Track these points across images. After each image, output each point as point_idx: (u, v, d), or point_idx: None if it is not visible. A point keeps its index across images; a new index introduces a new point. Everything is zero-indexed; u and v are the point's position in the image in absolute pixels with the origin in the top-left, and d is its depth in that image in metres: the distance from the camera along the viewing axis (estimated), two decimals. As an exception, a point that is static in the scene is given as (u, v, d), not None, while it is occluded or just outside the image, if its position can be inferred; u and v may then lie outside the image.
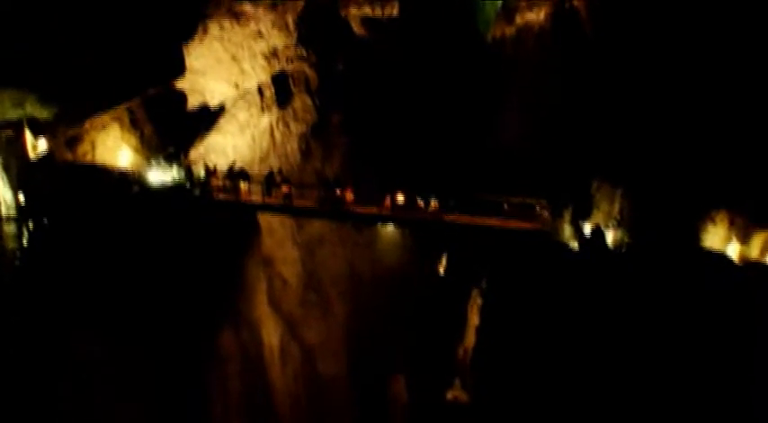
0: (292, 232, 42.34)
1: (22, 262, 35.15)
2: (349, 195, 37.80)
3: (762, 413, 30.03)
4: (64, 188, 36.36)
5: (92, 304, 34.79)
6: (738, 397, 30.60)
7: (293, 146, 42.15)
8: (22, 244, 35.39)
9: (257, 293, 41.14)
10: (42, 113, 38.39)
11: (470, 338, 39.11)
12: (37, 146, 37.43)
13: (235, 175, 38.99)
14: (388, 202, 37.26)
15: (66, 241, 35.37)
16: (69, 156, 38.47)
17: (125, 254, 35.95)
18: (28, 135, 37.16)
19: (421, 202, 37.30)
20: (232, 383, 38.88)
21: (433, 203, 37.20)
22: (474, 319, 39.00)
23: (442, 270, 42.26)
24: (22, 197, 36.07)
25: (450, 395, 39.67)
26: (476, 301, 39.28)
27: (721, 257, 33.00)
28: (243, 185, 38.64)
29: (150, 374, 35.65)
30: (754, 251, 33.10)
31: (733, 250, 33.35)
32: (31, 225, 35.58)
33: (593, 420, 32.69)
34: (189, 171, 39.14)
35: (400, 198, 37.15)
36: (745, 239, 33.36)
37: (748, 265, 32.59)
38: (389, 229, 41.08)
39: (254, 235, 41.11)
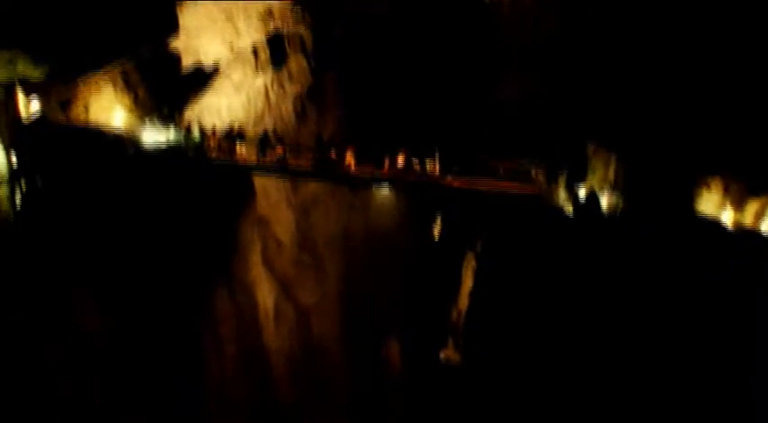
0: (287, 194, 42.17)
1: (15, 224, 35.08)
2: (350, 158, 37.69)
3: (760, 378, 30.08)
4: (58, 149, 36.18)
5: (86, 266, 34.90)
6: (729, 360, 30.77)
7: (288, 107, 41.87)
8: (15, 206, 35.30)
9: (252, 255, 41.13)
10: (34, 73, 37.99)
11: (464, 301, 39.25)
12: (29, 106, 37.15)
13: (233, 136, 38.84)
14: (387, 164, 37.16)
15: (60, 203, 35.31)
16: (62, 117, 38.22)
17: (120, 215, 35.93)
18: (20, 95, 36.87)
19: (417, 165, 37.23)
20: (227, 346, 39.11)
21: (430, 166, 37.13)
22: (468, 282, 39.07)
23: (436, 233, 42.19)
24: (14, 158, 35.90)
25: (442, 356, 39.92)
26: (470, 264, 39.34)
27: (715, 224, 32.97)
28: (240, 147, 38.53)
29: (145, 337, 35.85)
30: (748, 218, 33.02)
31: (727, 217, 33.29)
32: (23, 186, 35.47)
33: (584, 383, 32.96)
34: (189, 132, 38.88)
35: (399, 160, 37.08)
36: (739, 206, 33.27)
37: (742, 233, 32.56)
38: (385, 191, 40.90)
39: (249, 196, 41.00)
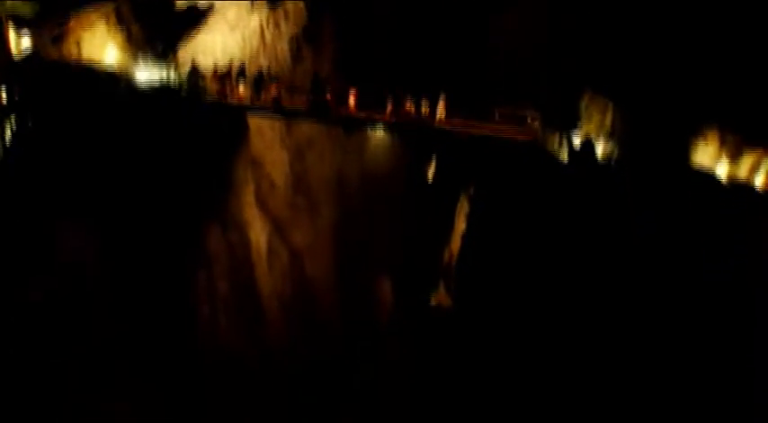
0: (281, 134, 41.98)
1: (4, 161, 35.03)
2: (352, 100, 37.36)
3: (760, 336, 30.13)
4: (49, 86, 35.94)
5: (77, 203, 34.94)
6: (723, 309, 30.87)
7: (283, 47, 41.36)
8: (4, 143, 35.19)
9: (245, 195, 41.07)
10: (25, 8, 37.49)
11: (456, 244, 39.37)
12: (20, 43, 36.73)
13: (231, 76, 38.43)
14: (390, 107, 36.81)
15: (51, 140, 35.21)
16: (55, 53, 37.74)
17: (112, 154, 35.83)
18: (11, 31, 36.42)
19: (412, 108, 36.87)
20: (219, 284, 39.32)
21: (425, 109, 36.75)
22: (460, 225, 39.15)
23: (430, 175, 42.07)
24: (4, 95, 35.66)
25: (434, 299, 40.17)
26: (463, 207, 39.34)
27: (709, 177, 32.66)
28: (240, 86, 38.15)
29: (137, 274, 36.06)
30: (744, 171, 32.60)
31: (722, 170, 32.89)
32: (14, 124, 35.31)
33: (574, 329, 33.21)
34: (194, 70, 38.35)
35: (407, 104, 36.74)
36: (735, 158, 32.83)
37: (736, 186, 32.22)
38: (379, 134, 40.59)
39: (243, 136, 40.76)
